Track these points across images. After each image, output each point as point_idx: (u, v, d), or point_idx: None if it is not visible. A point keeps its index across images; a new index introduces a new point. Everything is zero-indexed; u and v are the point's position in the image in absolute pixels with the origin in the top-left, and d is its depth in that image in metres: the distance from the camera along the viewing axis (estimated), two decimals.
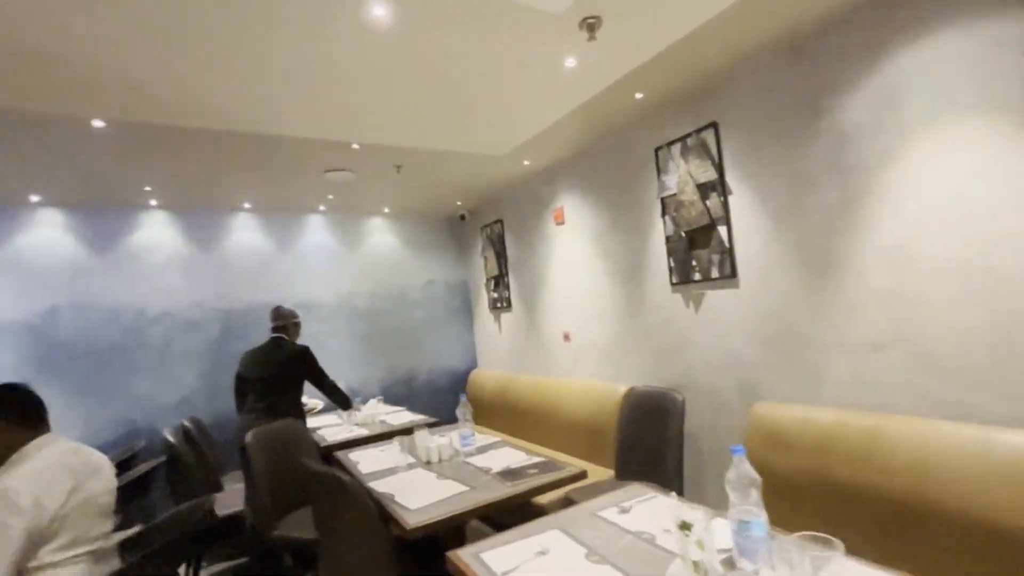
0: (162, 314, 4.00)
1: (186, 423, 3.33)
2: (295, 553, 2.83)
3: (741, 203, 2.58)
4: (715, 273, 2.71)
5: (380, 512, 1.79)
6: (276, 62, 2.14)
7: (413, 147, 3.21)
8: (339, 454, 2.70)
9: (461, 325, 5.45)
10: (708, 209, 2.69)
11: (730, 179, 2.62)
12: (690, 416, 2.75)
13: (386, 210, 4.95)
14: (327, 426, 3.61)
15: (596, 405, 3.19)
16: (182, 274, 4.13)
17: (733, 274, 2.62)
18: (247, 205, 4.30)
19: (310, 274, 4.66)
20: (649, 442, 2.55)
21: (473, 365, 5.41)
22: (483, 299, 5.24)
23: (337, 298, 4.76)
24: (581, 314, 3.79)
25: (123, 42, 1.92)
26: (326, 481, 1.71)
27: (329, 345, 4.62)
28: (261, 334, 3.71)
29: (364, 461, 2.48)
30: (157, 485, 3.69)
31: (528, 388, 3.91)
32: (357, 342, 4.81)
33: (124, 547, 1.77)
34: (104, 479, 1.70)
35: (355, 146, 3.07)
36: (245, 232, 4.42)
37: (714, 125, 2.66)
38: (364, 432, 3.35)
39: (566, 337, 3.94)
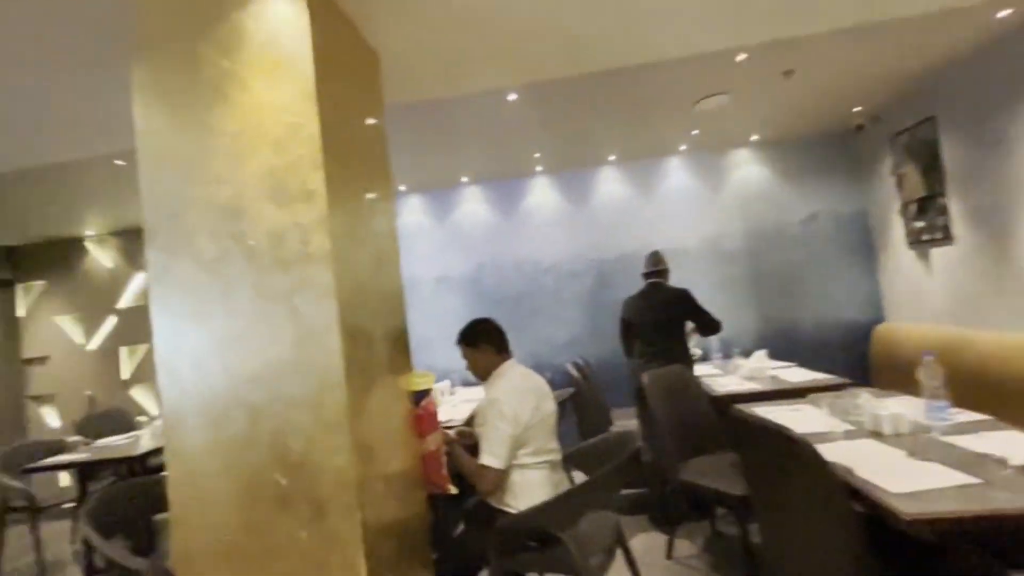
0: (551, 266, 4.59)
1: (578, 361, 3.69)
2: (693, 497, 2.77)
3: None
4: None
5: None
6: None
7: (820, 33, 2.47)
8: (739, 407, 2.43)
9: (858, 267, 4.34)
10: None
11: None
12: None
13: (754, 138, 4.29)
14: (710, 376, 3.41)
15: None
16: (562, 230, 4.62)
17: None
18: (611, 158, 4.42)
19: (672, 219, 4.51)
20: None
21: (877, 317, 4.26)
22: (895, 231, 3.99)
23: (701, 241, 4.47)
24: None
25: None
26: (774, 437, 1.46)
27: (694, 292, 4.40)
28: (630, 281, 3.77)
29: (776, 420, 2.12)
30: (563, 413, 4.32)
31: (1004, 351, 2.72)
32: (725, 288, 4.41)
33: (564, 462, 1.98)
34: (552, 402, 1.92)
35: (740, 57, 2.61)
36: (610, 184, 4.60)
37: None
38: (755, 387, 2.99)
39: None
